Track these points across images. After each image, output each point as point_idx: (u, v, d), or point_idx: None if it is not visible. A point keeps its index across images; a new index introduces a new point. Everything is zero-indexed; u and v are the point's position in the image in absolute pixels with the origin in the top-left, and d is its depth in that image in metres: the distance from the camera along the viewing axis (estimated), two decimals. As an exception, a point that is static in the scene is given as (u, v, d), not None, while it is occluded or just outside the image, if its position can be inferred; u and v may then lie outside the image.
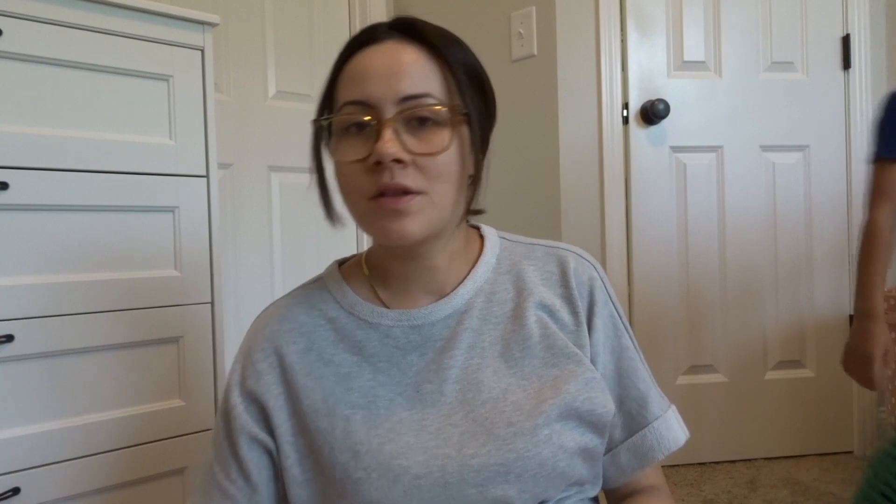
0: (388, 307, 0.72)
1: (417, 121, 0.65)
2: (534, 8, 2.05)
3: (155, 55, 1.30)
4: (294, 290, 0.79)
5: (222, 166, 1.99)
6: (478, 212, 0.75)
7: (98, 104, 1.25)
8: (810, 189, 2.09)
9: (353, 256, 0.80)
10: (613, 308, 0.75)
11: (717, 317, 2.07)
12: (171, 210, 1.33)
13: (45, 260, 1.19)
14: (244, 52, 2.11)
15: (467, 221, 0.77)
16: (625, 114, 2.00)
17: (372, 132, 0.64)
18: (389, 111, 0.64)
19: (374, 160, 0.63)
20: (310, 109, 2.38)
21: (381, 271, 0.74)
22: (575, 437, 0.66)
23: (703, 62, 2.04)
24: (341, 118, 0.66)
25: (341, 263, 0.80)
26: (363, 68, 0.66)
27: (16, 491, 1.14)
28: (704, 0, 2.04)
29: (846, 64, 2.07)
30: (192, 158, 1.36)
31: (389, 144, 0.62)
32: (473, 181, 0.69)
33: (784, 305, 2.09)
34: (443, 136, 0.64)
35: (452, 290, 0.73)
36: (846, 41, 2.07)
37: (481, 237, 0.78)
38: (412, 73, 0.65)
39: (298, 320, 0.73)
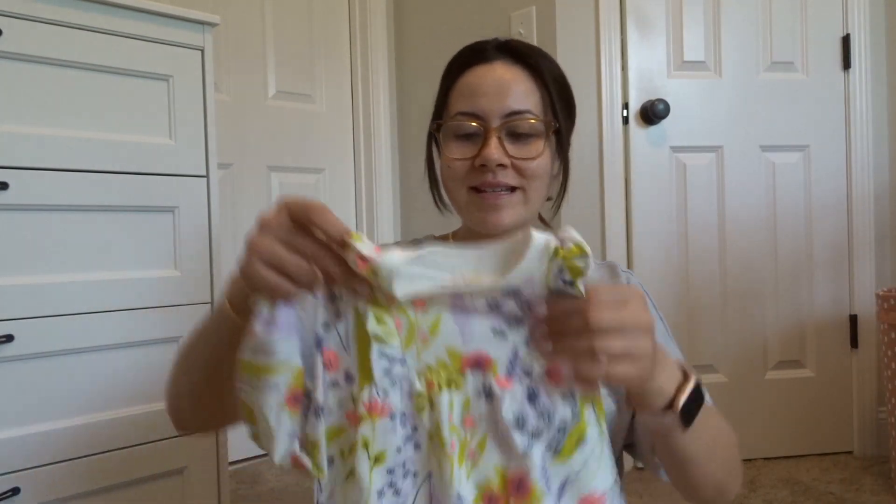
0: None
1: (517, 133, 0.78)
2: (534, 8, 2.05)
3: (155, 55, 1.30)
4: None
5: (222, 166, 1.99)
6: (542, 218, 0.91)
7: (98, 104, 1.25)
8: (810, 189, 2.08)
9: (444, 235, 0.92)
10: (652, 306, 0.83)
11: (717, 317, 2.07)
12: (171, 210, 1.33)
13: (45, 260, 1.19)
14: (244, 52, 2.11)
15: (540, 216, 0.91)
16: (625, 114, 2.00)
17: (479, 138, 0.78)
18: (495, 122, 0.77)
19: (480, 163, 0.76)
20: (310, 109, 2.39)
21: None
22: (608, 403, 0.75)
23: (703, 62, 2.04)
24: (454, 124, 0.80)
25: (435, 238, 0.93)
26: (476, 85, 0.80)
27: (16, 491, 1.14)
28: (704, 0, 2.04)
29: (846, 64, 2.07)
30: (192, 158, 1.36)
31: (494, 151, 0.76)
32: (562, 178, 0.85)
33: (784, 305, 2.08)
34: (538, 145, 0.79)
35: None
36: (846, 41, 2.07)
37: None
38: (516, 91, 0.79)
39: None
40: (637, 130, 2.01)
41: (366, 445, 0.49)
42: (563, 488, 0.50)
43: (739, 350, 2.07)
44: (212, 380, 0.65)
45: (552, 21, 2.00)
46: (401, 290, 0.47)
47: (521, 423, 0.50)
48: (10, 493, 1.13)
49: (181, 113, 1.34)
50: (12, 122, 1.16)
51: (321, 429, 0.50)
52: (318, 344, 0.51)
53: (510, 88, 0.79)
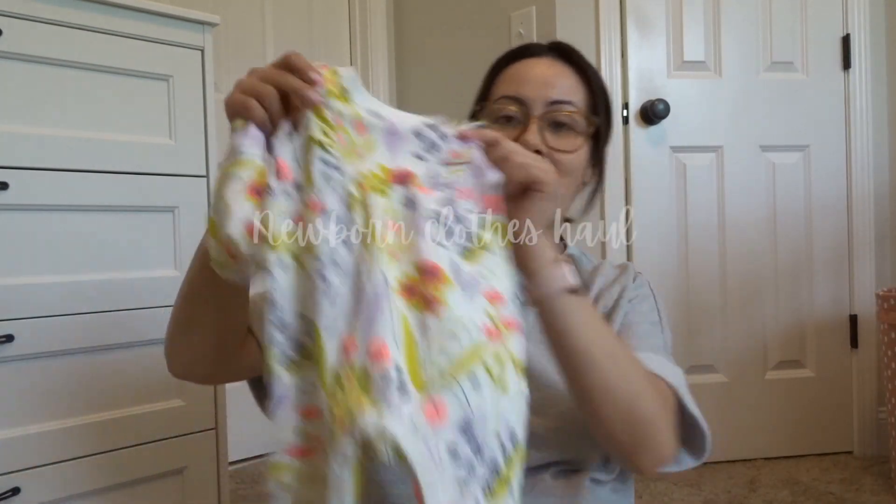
0: None
1: (558, 124, 0.79)
2: (534, 8, 2.05)
3: (155, 55, 1.30)
4: None
5: (222, 166, 1.99)
6: (569, 220, 0.90)
7: (98, 104, 1.25)
8: (810, 189, 2.08)
9: None
10: (653, 300, 0.85)
11: (717, 317, 2.07)
12: (171, 210, 1.33)
13: (45, 260, 1.19)
14: (244, 52, 2.11)
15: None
16: (625, 114, 2.00)
17: (518, 124, 0.78)
18: (538, 110, 0.78)
19: None
20: (310, 109, 2.38)
21: None
22: None
23: (703, 62, 2.04)
24: (496, 107, 0.80)
25: None
26: (522, 73, 0.81)
27: (16, 491, 1.14)
28: (704, 0, 2.04)
29: (846, 64, 2.07)
30: (192, 158, 1.36)
31: (533, 136, 0.76)
32: (595, 186, 0.88)
33: (784, 305, 2.08)
34: (577, 140, 0.79)
35: None
36: (846, 41, 2.07)
37: (564, 245, 0.92)
38: (562, 84, 0.80)
39: None
40: (637, 130, 2.01)
41: (308, 238, 0.54)
42: (473, 283, 0.55)
43: (739, 350, 2.07)
44: (199, 306, 0.69)
45: (552, 21, 2.00)
46: (356, 96, 0.58)
47: (436, 219, 0.56)
48: (9, 493, 1.13)
49: (181, 113, 1.34)
50: (12, 122, 1.16)
51: (274, 225, 0.54)
52: (272, 152, 0.57)
53: (556, 81, 0.80)
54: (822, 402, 2.09)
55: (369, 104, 0.58)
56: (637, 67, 2.00)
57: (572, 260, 0.90)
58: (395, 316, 0.51)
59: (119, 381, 1.27)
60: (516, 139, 0.76)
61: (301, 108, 0.56)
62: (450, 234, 0.56)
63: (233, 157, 0.57)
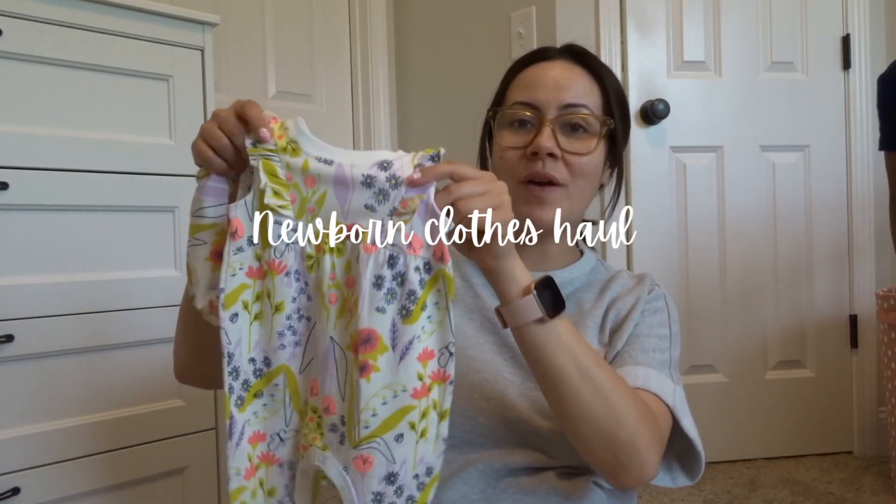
0: None
1: (571, 126, 0.80)
2: (534, 8, 2.05)
3: (155, 55, 1.30)
4: None
5: (222, 166, 1.99)
6: (590, 221, 0.93)
7: (98, 104, 1.25)
8: (810, 189, 2.08)
9: None
10: (667, 314, 0.83)
11: (717, 317, 2.07)
12: (171, 210, 1.33)
13: (45, 260, 1.19)
14: (244, 52, 2.11)
15: (580, 233, 0.92)
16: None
17: (532, 128, 0.80)
18: (551, 113, 0.79)
19: (532, 150, 0.78)
20: (310, 109, 2.39)
21: None
22: None
23: (703, 62, 2.04)
24: (510, 112, 0.82)
25: None
26: (536, 77, 0.82)
27: (16, 491, 1.14)
28: (704, 0, 2.04)
29: (846, 64, 2.07)
30: (192, 158, 1.36)
31: (546, 139, 0.77)
32: (616, 188, 0.89)
33: (784, 305, 2.08)
34: (591, 142, 0.80)
35: (554, 273, 0.82)
36: (846, 41, 2.07)
37: (580, 252, 0.91)
38: (576, 87, 0.81)
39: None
40: (637, 130, 2.01)
41: (268, 296, 0.60)
42: (408, 346, 0.59)
43: (739, 350, 2.07)
44: (191, 329, 0.72)
45: (552, 21, 2.00)
46: (306, 146, 0.60)
47: (378, 284, 0.58)
48: (10, 493, 1.13)
49: (181, 113, 1.34)
50: (12, 122, 1.16)
51: (224, 285, 0.60)
52: (227, 213, 0.61)
53: (569, 84, 0.81)
54: (822, 402, 2.09)
55: (319, 151, 0.60)
56: (637, 67, 2.00)
57: (586, 255, 0.89)
58: (342, 373, 0.60)
59: (119, 381, 1.27)
60: (530, 143, 0.78)
61: (251, 165, 0.59)
62: (392, 295, 0.59)
63: (197, 215, 0.63)
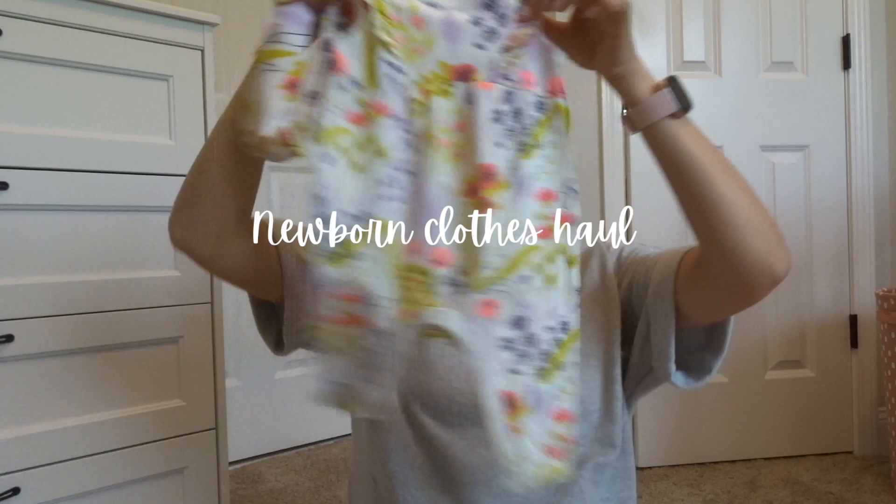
0: None
1: None
2: (534, 8, 2.05)
3: (155, 55, 1.30)
4: None
5: (222, 166, 1.99)
6: None
7: (98, 104, 1.25)
8: (810, 189, 2.08)
9: None
10: (625, 247, 0.89)
11: (717, 317, 2.07)
12: (170, 210, 1.32)
13: (45, 260, 1.19)
14: (244, 52, 2.10)
15: None
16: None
17: None
18: None
19: None
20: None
21: None
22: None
23: (703, 62, 2.04)
24: None
25: None
26: None
27: (16, 491, 1.14)
28: (704, 0, 2.04)
29: (846, 64, 2.07)
30: (192, 158, 1.35)
31: None
32: None
33: (784, 305, 2.08)
34: None
35: None
36: (846, 41, 2.07)
37: None
38: None
39: None
40: (637, 130, 2.01)
41: (372, 142, 0.55)
42: (528, 183, 0.57)
43: (739, 350, 2.07)
44: (213, 178, 0.70)
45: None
46: None
47: (497, 118, 0.57)
48: (10, 493, 1.13)
49: (181, 113, 1.34)
50: (12, 122, 1.16)
51: (321, 119, 0.54)
52: (328, 46, 0.55)
53: None
54: (822, 402, 2.09)
55: None
56: (637, 67, 2.00)
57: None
58: (454, 220, 0.56)
59: (119, 381, 1.27)
60: None
61: (359, 3, 0.55)
62: (510, 131, 0.57)
63: (273, 40, 0.57)
